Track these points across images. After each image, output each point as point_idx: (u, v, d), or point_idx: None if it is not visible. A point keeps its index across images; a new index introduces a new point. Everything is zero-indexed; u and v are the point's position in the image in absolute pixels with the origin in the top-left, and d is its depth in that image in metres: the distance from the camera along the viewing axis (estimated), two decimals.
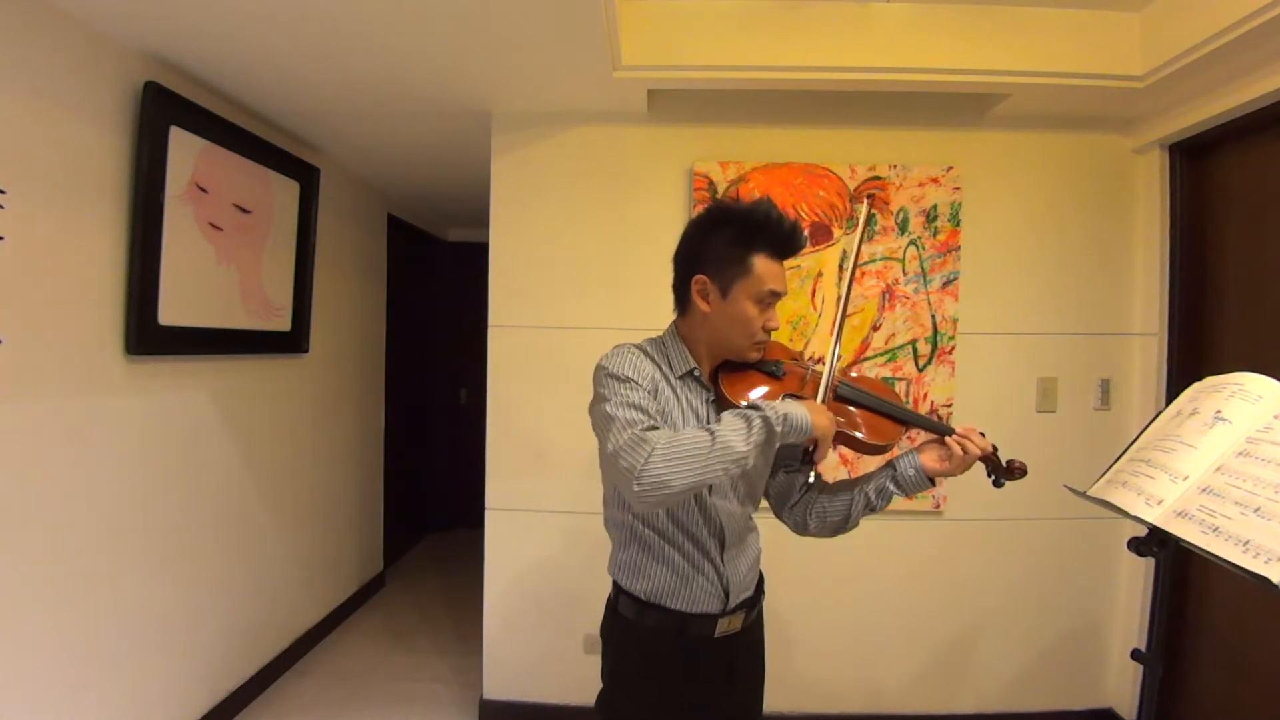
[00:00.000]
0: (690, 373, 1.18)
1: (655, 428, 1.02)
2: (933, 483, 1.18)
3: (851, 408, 1.20)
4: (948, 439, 1.16)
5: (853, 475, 1.37)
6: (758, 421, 0.99)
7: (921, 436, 1.26)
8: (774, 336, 1.21)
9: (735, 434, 0.97)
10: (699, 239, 1.16)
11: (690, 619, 1.16)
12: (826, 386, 1.13)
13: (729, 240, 1.12)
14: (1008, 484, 1.20)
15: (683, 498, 0.99)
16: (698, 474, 0.95)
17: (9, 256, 1.51)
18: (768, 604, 1.32)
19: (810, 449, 1.09)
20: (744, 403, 1.11)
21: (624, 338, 1.22)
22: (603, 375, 1.11)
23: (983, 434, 1.17)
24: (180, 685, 2.12)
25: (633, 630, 1.19)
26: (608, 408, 1.05)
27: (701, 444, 0.96)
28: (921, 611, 2.37)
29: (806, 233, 2.27)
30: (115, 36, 1.79)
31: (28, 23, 1.56)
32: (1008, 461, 1.19)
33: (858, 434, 1.17)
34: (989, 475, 1.21)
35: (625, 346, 1.16)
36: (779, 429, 1.00)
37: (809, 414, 1.03)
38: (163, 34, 1.80)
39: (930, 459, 1.16)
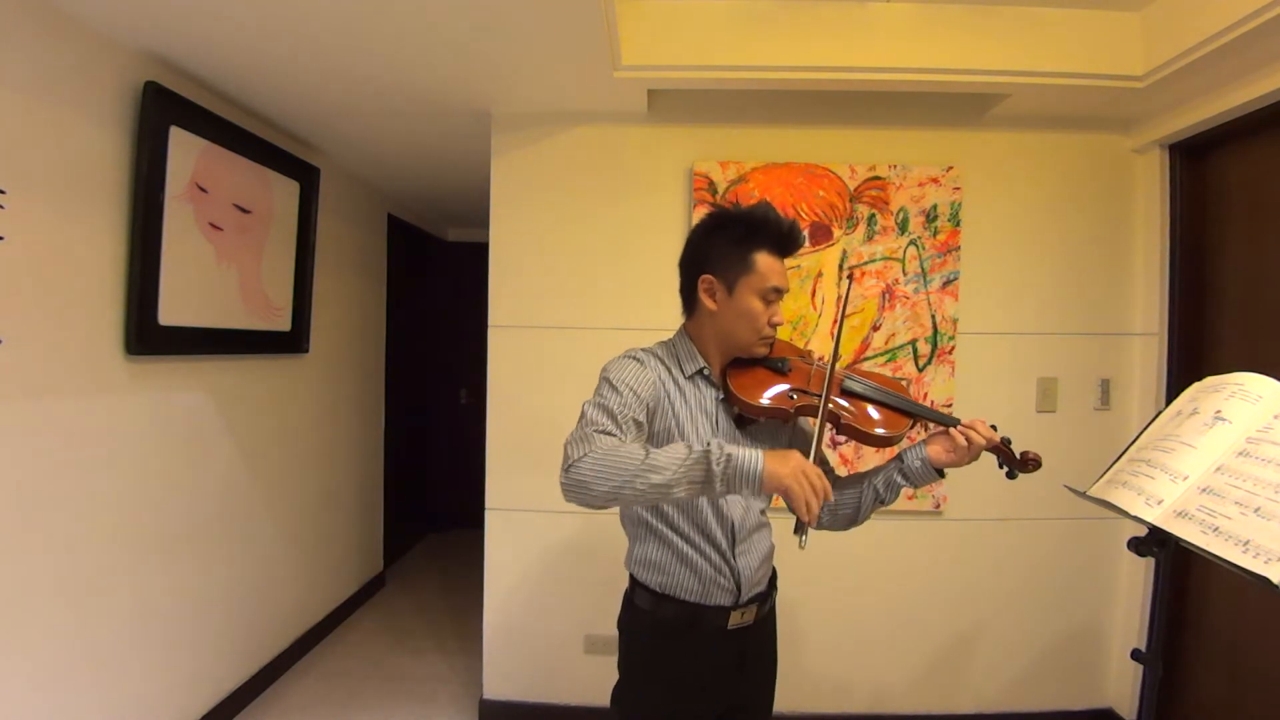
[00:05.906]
0: (700, 371, 1.22)
1: (612, 434, 1.03)
2: (941, 474, 1.21)
3: (858, 400, 1.23)
4: (952, 430, 1.18)
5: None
6: (696, 456, 0.96)
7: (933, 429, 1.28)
8: (777, 334, 1.23)
9: (669, 461, 0.96)
10: (703, 242, 1.22)
11: (704, 611, 1.19)
12: (829, 380, 1.16)
13: (732, 240, 1.18)
14: (1020, 478, 1.21)
15: (601, 504, 1.00)
16: (615, 487, 0.96)
17: (9, 256, 1.51)
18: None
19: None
20: (764, 399, 1.16)
21: (624, 338, 1.24)
22: (602, 376, 1.16)
23: (994, 426, 1.19)
24: (181, 684, 2.12)
25: (648, 621, 1.23)
26: (586, 405, 1.11)
27: (632, 461, 0.96)
28: (921, 611, 2.37)
29: (806, 232, 2.28)
30: (115, 36, 1.79)
31: (28, 23, 1.56)
32: (1021, 453, 1.20)
33: (863, 427, 1.20)
34: (1000, 466, 1.22)
35: (633, 353, 1.21)
36: (717, 469, 0.95)
37: (762, 463, 0.96)
38: (163, 34, 1.80)
39: (936, 450, 1.19)
